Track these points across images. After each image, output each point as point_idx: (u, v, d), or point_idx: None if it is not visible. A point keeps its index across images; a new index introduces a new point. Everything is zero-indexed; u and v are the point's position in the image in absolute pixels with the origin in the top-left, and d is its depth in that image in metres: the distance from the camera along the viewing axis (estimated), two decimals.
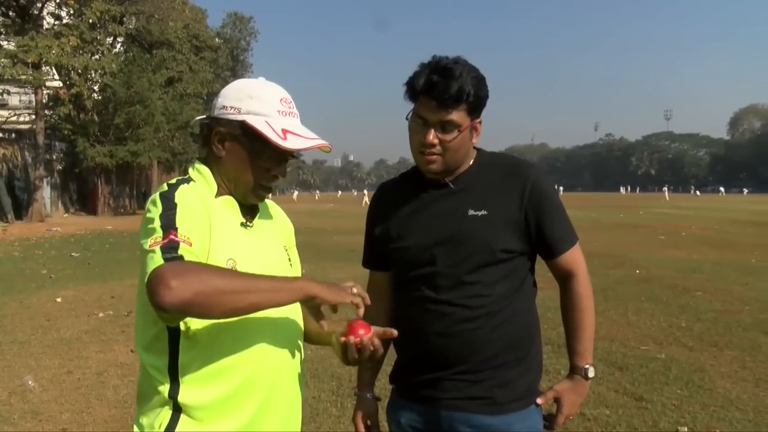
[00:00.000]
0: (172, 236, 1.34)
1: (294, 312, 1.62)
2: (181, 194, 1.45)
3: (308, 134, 1.55)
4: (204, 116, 1.60)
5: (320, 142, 1.55)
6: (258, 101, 1.52)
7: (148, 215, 1.41)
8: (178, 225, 1.37)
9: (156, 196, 1.45)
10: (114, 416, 4.38)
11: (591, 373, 1.82)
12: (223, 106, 1.54)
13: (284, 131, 1.49)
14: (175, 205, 1.41)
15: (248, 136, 1.51)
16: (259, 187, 1.56)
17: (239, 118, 1.51)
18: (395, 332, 1.52)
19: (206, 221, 1.45)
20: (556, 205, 1.80)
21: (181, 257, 1.31)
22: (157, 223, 1.37)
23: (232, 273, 1.34)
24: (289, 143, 1.49)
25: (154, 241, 1.34)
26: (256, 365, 1.47)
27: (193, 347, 1.42)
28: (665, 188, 78.15)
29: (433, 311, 1.76)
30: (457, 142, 1.72)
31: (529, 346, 1.83)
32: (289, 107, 1.56)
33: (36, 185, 28.94)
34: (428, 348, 1.77)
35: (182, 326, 1.42)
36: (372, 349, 1.50)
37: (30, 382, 5.04)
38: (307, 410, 4.39)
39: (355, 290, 1.45)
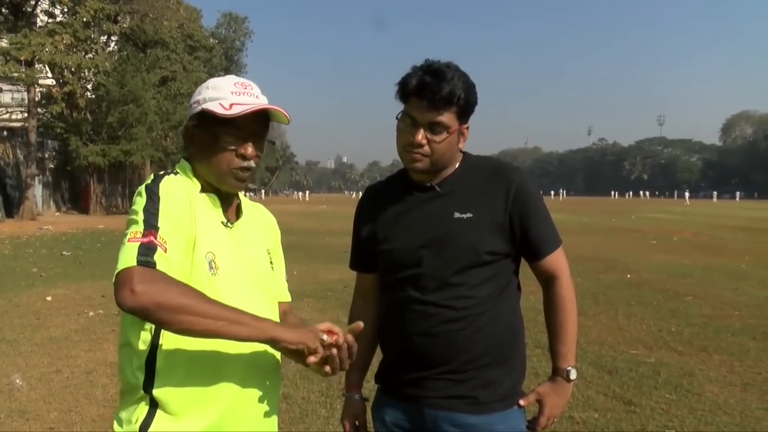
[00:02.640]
0: (152, 237, 1.37)
1: (272, 313, 1.63)
2: (165, 186, 1.48)
3: (258, 102, 1.56)
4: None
5: (264, 105, 1.55)
6: (214, 89, 1.57)
7: (134, 207, 1.44)
8: (160, 224, 1.39)
9: (142, 188, 1.48)
10: (102, 415, 4.36)
11: (573, 375, 1.84)
12: (190, 105, 1.60)
13: (232, 105, 1.52)
14: (158, 198, 1.44)
15: (205, 122, 1.55)
16: (230, 172, 1.56)
17: (198, 109, 1.56)
18: (361, 324, 1.50)
19: (189, 213, 1.47)
20: (540, 208, 1.82)
21: (154, 264, 1.33)
22: (140, 216, 1.40)
23: (199, 296, 1.35)
24: (233, 111, 1.50)
25: (133, 235, 1.37)
26: (229, 358, 1.48)
27: (169, 336, 1.44)
28: (685, 193, 77.59)
29: (418, 312, 1.77)
30: (445, 144, 1.74)
31: (513, 347, 1.85)
32: (244, 88, 1.58)
33: (27, 183, 28.78)
34: (413, 348, 1.79)
35: None
36: (346, 348, 1.48)
37: (18, 381, 5.01)
38: (296, 410, 4.43)
39: (325, 336, 1.44)
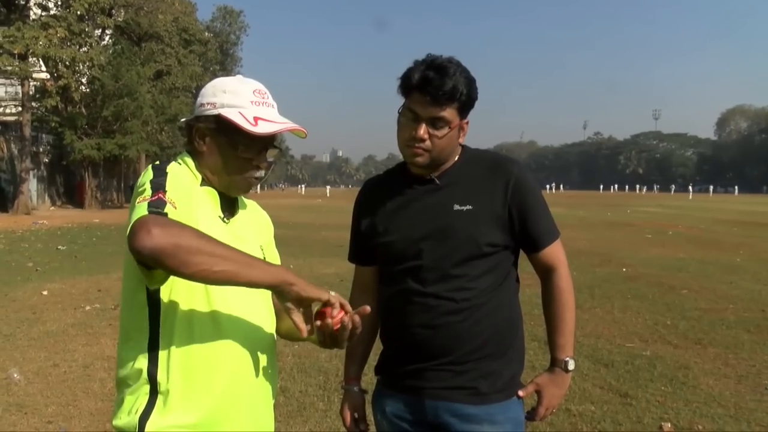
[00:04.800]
0: (160, 195, 1.38)
1: (266, 308, 1.64)
2: (173, 168, 1.51)
3: (281, 120, 1.58)
4: (186, 118, 1.65)
5: (291, 125, 1.57)
6: (232, 95, 1.56)
7: (139, 183, 1.45)
8: (167, 189, 1.41)
9: (148, 167, 1.50)
10: (100, 409, 4.37)
11: (571, 366, 1.86)
12: (201, 104, 1.59)
13: (256, 119, 1.53)
14: (166, 174, 1.47)
15: (224, 129, 1.54)
16: (242, 179, 1.58)
17: (215, 112, 1.55)
18: (368, 308, 1.49)
19: (192, 199, 1.49)
20: (538, 200, 1.84)
21: (166, 214, 1.34)
22: (147, 185, 1.41)
23: (213, 239, 1.35)
24: (260, 128, 1.51)
25: (143, 198, 1.37)
26: (227, 345, 1.50)
27: (171, 324, 1.46)
28: (690, 186, 77.18)
29: (419, 304, 1.78)
30: (446, 139, 1.75)
31: (512, 338, 1.87)
32: (263, 98, 1.59)
33: (22, 178, 28.68)
34: (414, 339, 1.80)
35: (163, 297, 1.46)
36: (351, 326, 1.46)
37: (15, 375, 5.01)
38: (294, 404, 4.44)
39: (332, 296, 1.43)
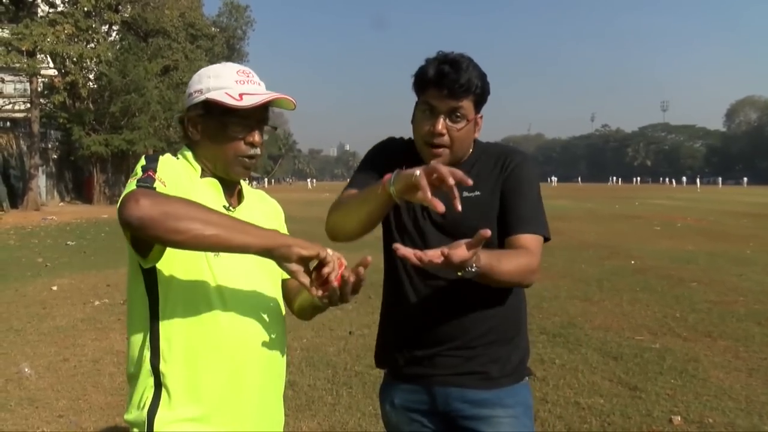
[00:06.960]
0: (149, 173, 1.41)
1: (275, 294, 1.64)
2: (166, 158, 1.53)
3: (261, 89, 1.58)
4: (179, 115, 1.66)
5: (275, 95, 1.56)
6: (216, 78, 1.58)
7: (134, 171, 1.47)
8: (158, 170, 1.44)
9: (142, 157, 1.52)
10: (110, 403, 4.39)
11: (472, 271, 1.52)
12: (189, 94, 1.60)
13: (241, 95, 1.53)
14: (157, 163, 1.48)
15: (212, 112, 1.55)
16: (238, 160, 1.58)
17: (202, 98, 1.56)
18: (369, 258, 1.39)
19: (185, 186, 1.49)
20: (532, 190, 1.80)
21: (155, 189, 1.36)
22: (138, 169, 1.44)
23: (203, 206, 1.35)
24: (246, 102, 1.51)
25: (133, 178, 1.40)
26: (229, 334, 1.49)
27: (170, 314, 1.47)
28: (697, 179, 77.02)
29: (426, 291, 1.79)
30: (464, 132, 1.75)
31: (518, 324, 1.88)
32: (247, 76, 1.59)
33: (31, 174, 28.85)
34: (421, 326, 1.80)
35: (161, 288, 1.46)
36: (354, 278, 1.39)
37: (26, 370, 5.05)
38: (302, 398, 4.44)
39: (330, 251, 1.39)
